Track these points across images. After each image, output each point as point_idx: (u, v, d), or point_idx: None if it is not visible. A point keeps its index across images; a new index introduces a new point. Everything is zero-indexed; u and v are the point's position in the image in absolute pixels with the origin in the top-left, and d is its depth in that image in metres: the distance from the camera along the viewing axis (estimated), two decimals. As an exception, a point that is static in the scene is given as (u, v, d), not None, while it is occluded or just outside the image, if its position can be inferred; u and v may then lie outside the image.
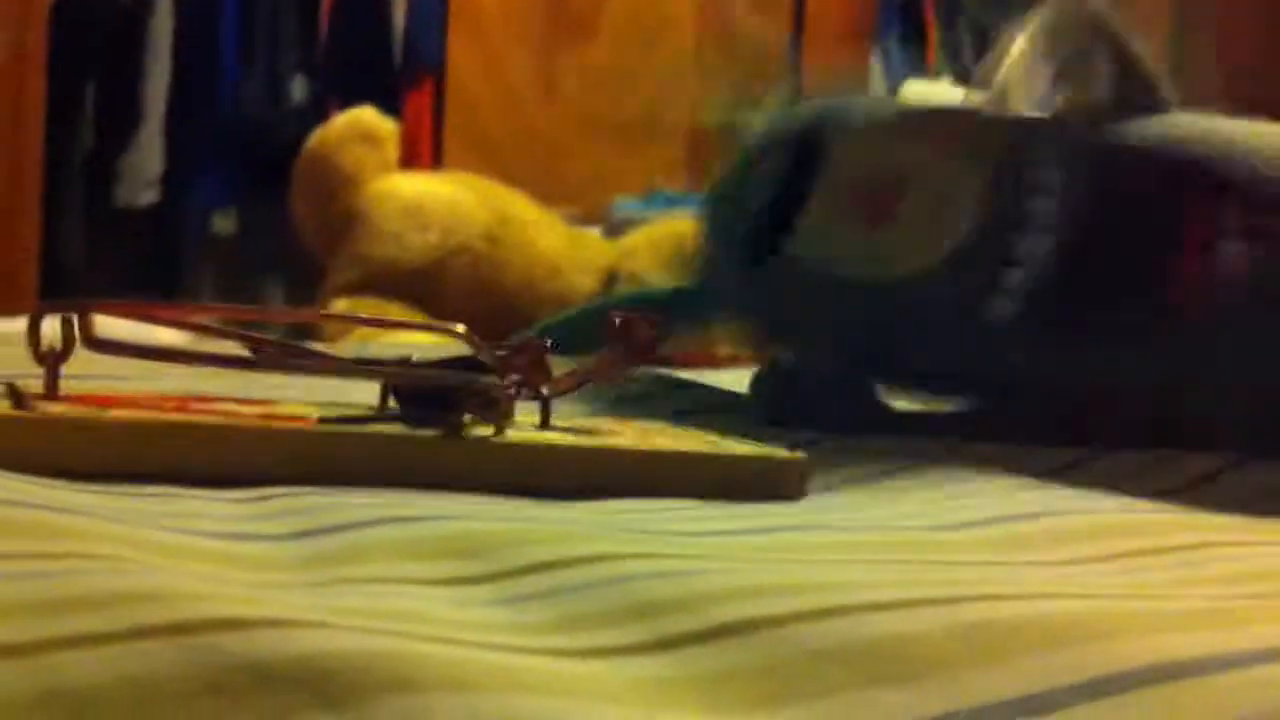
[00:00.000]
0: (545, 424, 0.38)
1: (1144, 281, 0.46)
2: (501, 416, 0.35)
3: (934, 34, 2.97)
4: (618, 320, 0.40)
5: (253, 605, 0.21)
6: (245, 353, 0.38)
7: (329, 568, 0.26)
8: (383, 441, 0.33)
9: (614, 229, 1.92)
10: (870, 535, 0.31)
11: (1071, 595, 0.25)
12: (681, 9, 2.70)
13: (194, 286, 2.43)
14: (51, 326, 0.32)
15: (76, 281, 2.28)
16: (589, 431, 0.38)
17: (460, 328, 0.36)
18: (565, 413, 0.41)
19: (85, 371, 0.39)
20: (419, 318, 1.52)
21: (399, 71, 2.48)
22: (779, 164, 0.52)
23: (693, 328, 0.59)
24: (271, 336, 0.41)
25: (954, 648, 0.22)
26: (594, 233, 1.88)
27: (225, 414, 0.33)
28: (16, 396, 0.32)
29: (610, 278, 1.68)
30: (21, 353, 0.34)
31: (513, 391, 0.35)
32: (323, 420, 0.34)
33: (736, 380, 0.60)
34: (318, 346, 0.51)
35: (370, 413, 0.37)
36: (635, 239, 1.74)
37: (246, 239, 2.44)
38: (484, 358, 0.35)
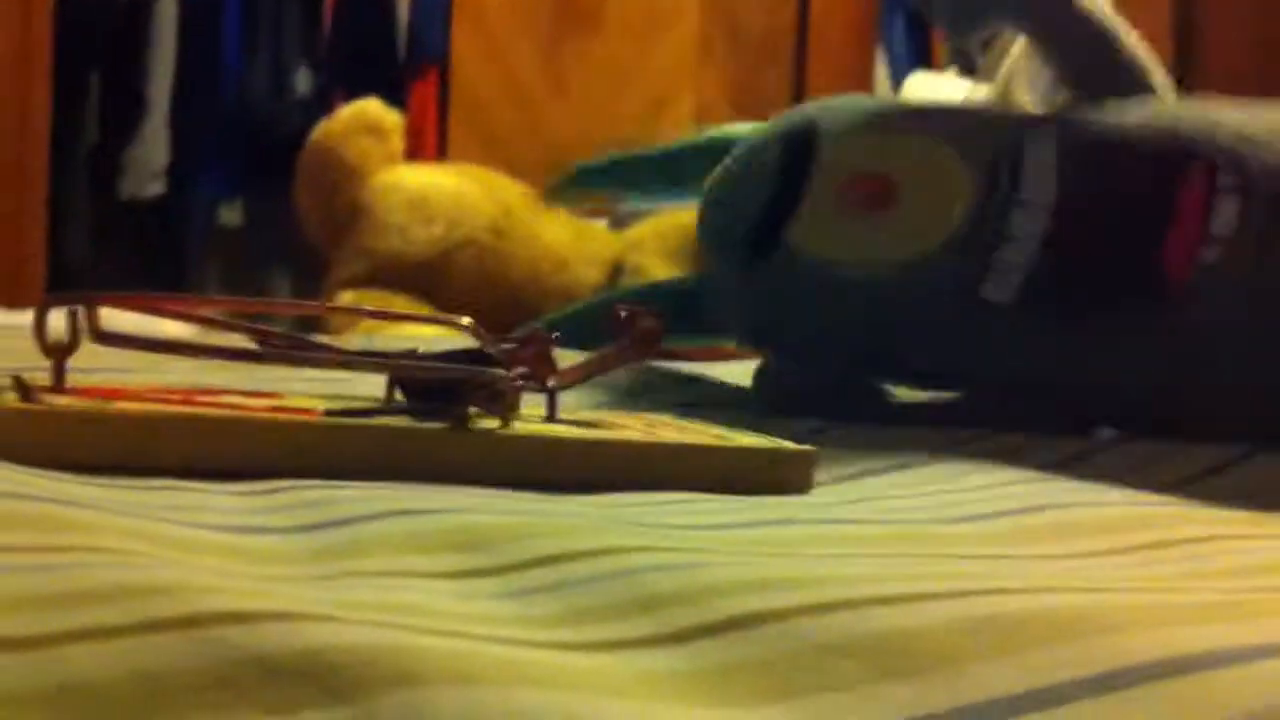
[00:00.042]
0: (551, 417, 0.38)
1: (1135, 264, 0.46)
2: (508, 409, 0.35)
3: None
4: (623, 313, 0.40)
5: (260, 599, 0.21)
6: (252, 345, 0.38)
7: (335, 561, 0.26)
8: (389, 434, 0.33)
9: (620, 221, 1.92)
10: (877, 529, 0.31)
11: (1079, 589, 0.25)
12: (686, 1, 2.70)
13: (200, 279, 2.43)
14: (58, 320, 0.32)
15: (82, 274, 2.28)
16: (595, 424, 0.38)
17: (466, 321, 0.36)
18: (571, 405, 0.41)
19: (92, 364, 0.39)
20: (424, 310, 1.52)
21: (403, 63, 2.48)
22: (774, 160, 0.52)
23: (699, 322, 0.59)
24: (277, 329, 0.41)
25: (961, 641, 0.22)
26: (600, 225, 1.88)
27: (232, 407, 0.33)
28: (24, 390, 0.32)
29: (616, 270, 1.68)
30: (29, 346, 0.34)
31: (519, 384, 0.35)
32: (329, 413, 0.34)
33: (742, 373, 0.60)
34: (323, 339, 0.51)
35: (377, 405, 0.37)
36: (641, 231, 1.74)
37: (252, 231, 2.44)
38: (490, 350, 0.35)
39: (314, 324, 1.58)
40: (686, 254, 1.65)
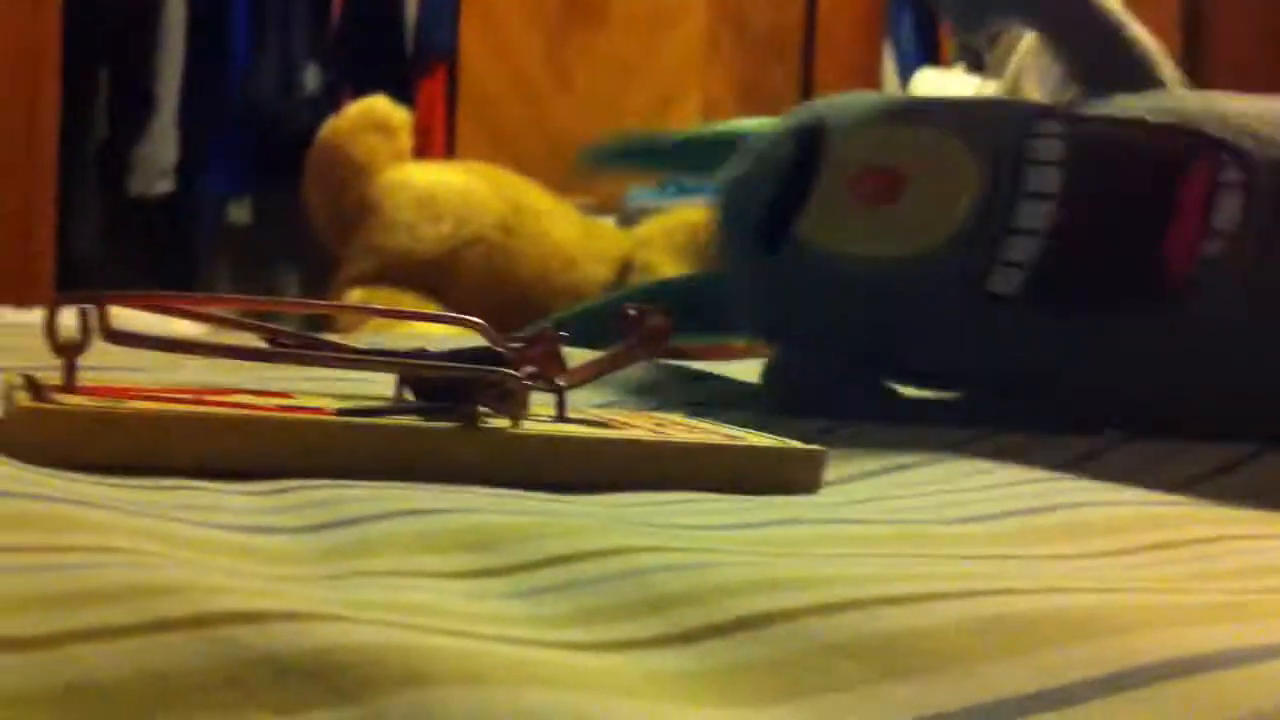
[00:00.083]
0: (561, 416, 0.38)
1: (1138, 257, 0.46)
2: (517, 408, 0.35)
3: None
4: (631, 312, 0.40)
5: (269, 598, 0.21)
6: (262, 345, 0.38)
7: (345, 560, 0.26)
8: (399, 434, 0.33)
9: (628, 218, 1.92)
10: (885, 529, 0.31)
11: (1088, 589, 0.25)
12: (694, -4, 2.70)
13: (208, 276, 2.44)
14: (69, 318, 0.32)
15: (91, 272, 2.28)
16: (604, 424, 0.38)
17: (476, 320, 0.36)
18: (581, 404, 0.41)
19: (102, 363, 0.39)
20: (433, 308, 1.53)
21: (412, 60, 2.48)
22: (785, 155, 0.52)
23: (711, 318, 0.59)
24: (287, 327, 0.41)
25: (970, 641, 0.22)
26: (608, 222, 1.88)
27: (242, 406, 0.33)
28: (35, 389, 0.32)
29: (625, 267, 1.68)
30: (39, 344, 0.34)
31: (528, 384, 0.35)
32: (339, 412, 0.34)
33: (751, 372, 0.60)
34: (332, 337, 0.51)
35: (386, 405, 0.37)
36: (649, 228, 1.74)
37: (260, 228, 2.44)
38: (499, 350, 0.35)
39: (323, 322, 1.58)
40: (694, 251, 1.65)
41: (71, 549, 0.23)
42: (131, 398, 0.32)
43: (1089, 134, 0.47)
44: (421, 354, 0.36)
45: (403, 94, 1.98)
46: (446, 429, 0.34)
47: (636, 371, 0.54)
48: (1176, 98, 0.49)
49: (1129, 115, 0.48)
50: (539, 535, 0.27)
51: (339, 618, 0.20)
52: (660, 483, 0.35)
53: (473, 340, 0.37)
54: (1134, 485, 0.38)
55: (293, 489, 0.30)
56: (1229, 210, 0.44)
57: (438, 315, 0.40)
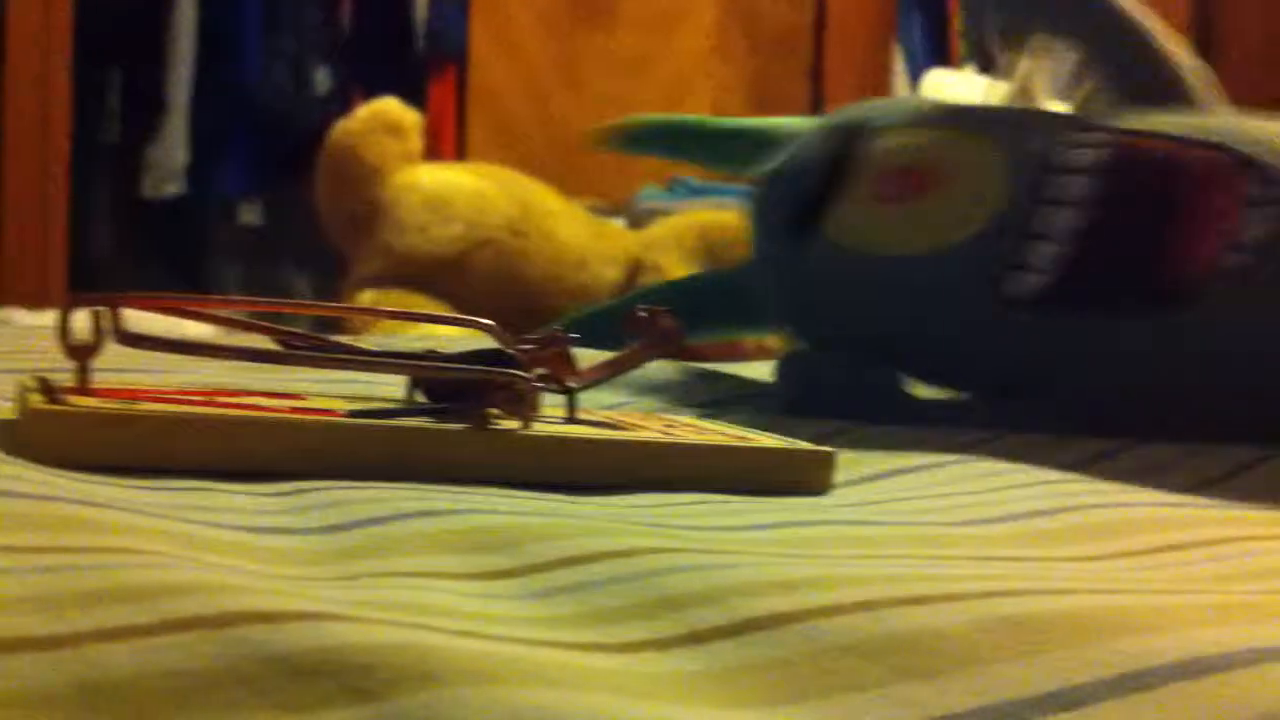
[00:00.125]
0: (571, 417, 0.38)
1: (1162, 263, 0.46)
2: (527, 410, 0.35)
3: (957, 23, 2.96)
4: (642, 314, 0.40)
5: (283, 599, 0.21)
6: (274, 346, 0.38)
7: (358, 561, 0.26)
8: (410, 435, 0.33)
9: (637, 219, 1.92)
10: (896, 530, 0.31)
11: (1101, 590, 0.25)
12: (704, -3, 2.70)
13: (219, 277, 2.44)
14: (82, 320, 0.33)
15: (103, 273, 2.29)
16: (615, 425, 0.38)
17: (487, 321, 0.36)
18: (591, 405, 0.42)
19: (115, 365, 0.40)
20: (443, 310, 1.53)
21: (422, 61, 2.48)
22: (825, 150, 0.53)
23: (740, 313, 0.60)
24: (297, 328, 0.41)
25: (982, 642, 0.22)
26: (618, 223, 1.88)
27: (254, 407, 0.34)
28: (48, 390, 0.32)
29: (634, 268, 1.68)
30: (52, 346, 0.34)
31: (539, 385, 0.35)
32: (351, 414, 0.34)
33: (762, 372, 0.60)
34: (343, 338, 0.51)
35: (398, 406, 0.37)
36: (659, 230, 1.74)
37: (272, 230, 2.45)
38: (510, 351, 0.35)
39: (334, 323, 1.59)
40: (703, 253, 1.65)
41: (86, 549, 0.23)
42: (144, 399, 0.33)
43: (1120, 145, 0.48)
44: (432, 355, 0.36)
45: (413, 95, 1.98)
46: (457, 430, 0.34)
47: (647, 373, 0.55)
48: (1210, 116, 0.50)
49: (1162, 130, 0.48)
50: (550, 536, 0.27)
51: (353, 618, 0.21)
52: (670, 484, 0.35)
53: (483, 341, 0.37)
54: (1146, 487, 0.38)
55: (305, 490, 0.30)
56: (1256, 224, 0.45)
57: (448, 317, 0.40)
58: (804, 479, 0.37)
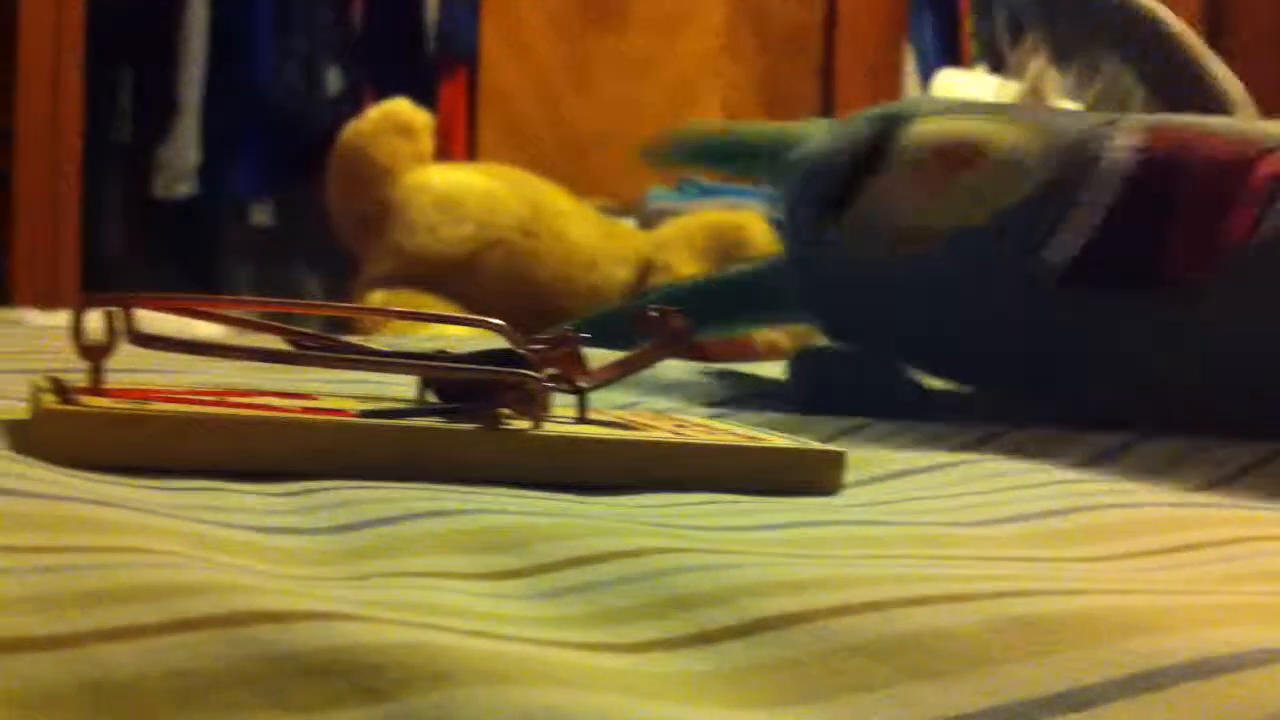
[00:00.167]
0: (582, 417, 0.38)
1: (1194, 234, 0.46)
2: (538, 410, 0.35)
3: (968, 22, 2.96)
4: (652, 313, 0.40)
5: (294, 598, 0.21)
6: (285, 347, 0.38)
7: (368, 561, 0.26)
8: (421, 435, 0.33)
9: (648, 220, 1.92)
10: (906, 530, 0.31)
11: (1112, 591, 0.25)
12: (714, -3, 2.70)
13: (231, 277, 2.45)
14: (95, 321, 0.33)
15: (115, 273, 2.30)
16: (625, 425, 0.38)
17: (497, 321, 0.36)
18: (602, 405, 0.42)
19: (127, 365, 0.40)
20: (454, 310, 1.53)
21: (433, 62, 2.49)
22: (862, 135, 0.54)
23: (765, 307, 0.60)
24: (309, 329, 0.41)
25: (992, 642, 0.22)
26: (628, 223, 1.88)
27: (265, 407, 0.34)
28: (61, 391, 0.33)
29: (645, 268, 1.68)
30: (65, 346, 0.34)
31: (549, 385, 0.35)
32: (362, 414, 0.34)
33: (772, 372, 0.61)
34: (354, 338, 0.51)
35: (408, 406, 0.37)
36: (669, 229, 1.74)
37: (283, 230, 2.45)
38: (521, 351, 0.35)
39: (345, 323, 1.59)
40: (713, 253, 1.65)
41: (97, 549, 0.23)
42: (156, 399, 0.33)
43: (1164, 128, 0.49)
44: (443, 356, 0.36)
45: (424, 96, 1.98)
46: (468, 430, 0.34)
47: (658, 373, 0.55)
48: (1246, 120, 0.51)
49: (1205, 122, 0.50)
50: (559, 536, 0.27)
51: (363, 617, 0.21)
52: (680, 484, 0.35)
53: (494, 342, 0.37)
54: (1156, 485, 0.38)
55: (315, 490, 0.31)
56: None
57: (459, 317, 0.40)
58: (814, 479, 0.37)
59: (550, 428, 0.35)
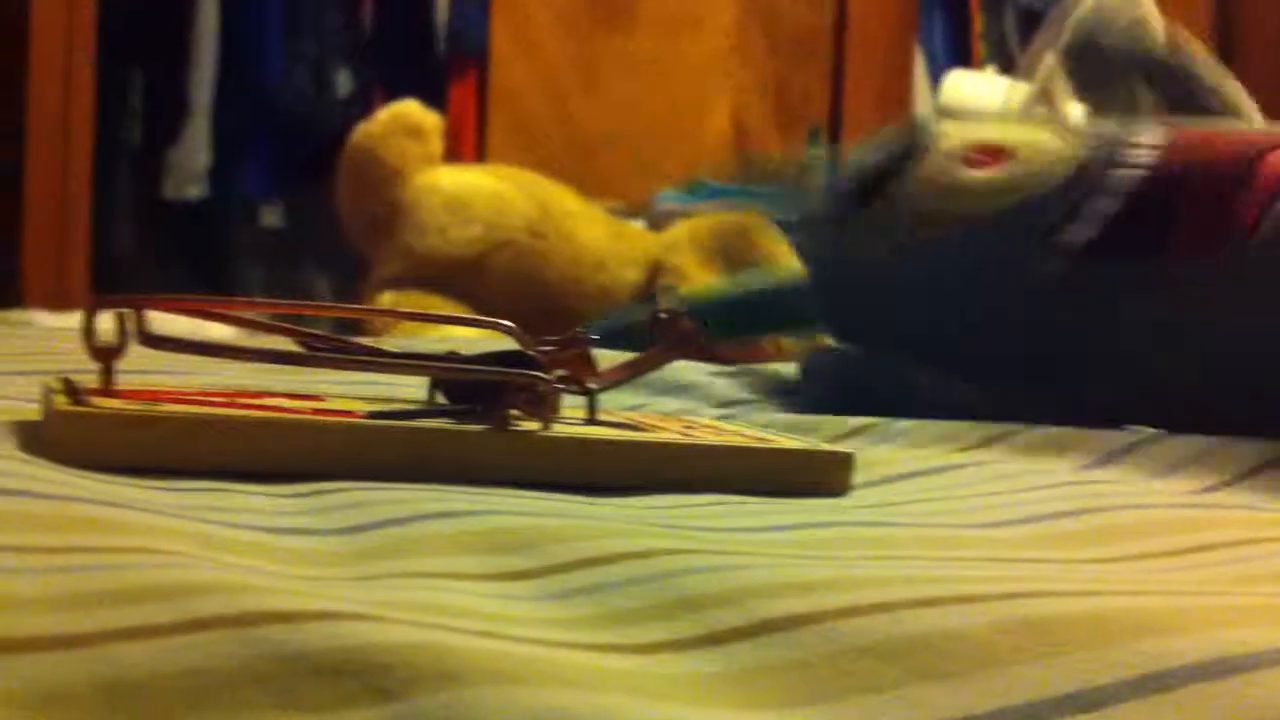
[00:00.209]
0: (591, 418, 0.38)
1: (1208, 216, 0.48)
2: (547, 411, 0.35)
3: (977, 24, 2.95)
4: (662, 315, 0.40)
5: (304, 598, 0.21)
6: (296, 348, 0.38)
7: (377, 562, 0.26)
8: (430, 436, 0.33)
9: (656, 221, 1.92)
10: (915, 531, 0.31)
11: (1122, 592, 0.25)
12: (724, -1, 2.69)
13: (241, 279, 2.45)
14: (106, 322, 0.33)
15: (125, 275, 2.30)
16: (635, 426, 0.38)
17: (507, 323, 0.36)
18: (611, 406, 0.42)
19: (138, 366, 0.40)
20: (463, 311, 1.53)
21: (443, 63, 2.49)
22: (899, 137, 0.56)
23: (757, 332, 0.62)
24: (319, 330, 0.41)
25: (1001, 643, 0.22)
26: (637, 225, 1.88)
27: (275, 409, 0.34)
28: (72, 392, 0.33)
29: (653, 270, 1.68)
30: (75, 347, 0.34)
31: (559, 386, 0.35)
32: (371, 415, 0.34)
33: (781, 373, 0.61)
34: (364, 340, 0.51)
35: (418, 407, 0.37)
36: (678, 231, 1.74)
37: (293, 232, 2.46)
38: (530, 353, 0.36)
39: (355, 324, 1.59)
40: (722, 254, 1.65)
41: (108, 549, 0.23)
42: (167, 401, 0.33)
43: (1181, 130, 0.51)
44: (453, 357, 0.37)
45: (434, 97, 1.99)
46: (477, 431, 0.34)
47: (667, 374, 0.55)
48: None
49: (1216, 124, 0.53)
50: (569, 537, 0.27)
51: (373, 617, 0.21)
52: (689, 485, 0.35)
53: (503, 343, 0.37)
54: (1168, 486, 0.38)
55: (324, 491, 0.31)
56: None
57: (468, 318, 0.40)
58: (823, 480, 0.37)
59: (559, 429, 0.35)
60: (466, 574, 0.25)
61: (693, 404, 0.53)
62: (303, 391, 0.40)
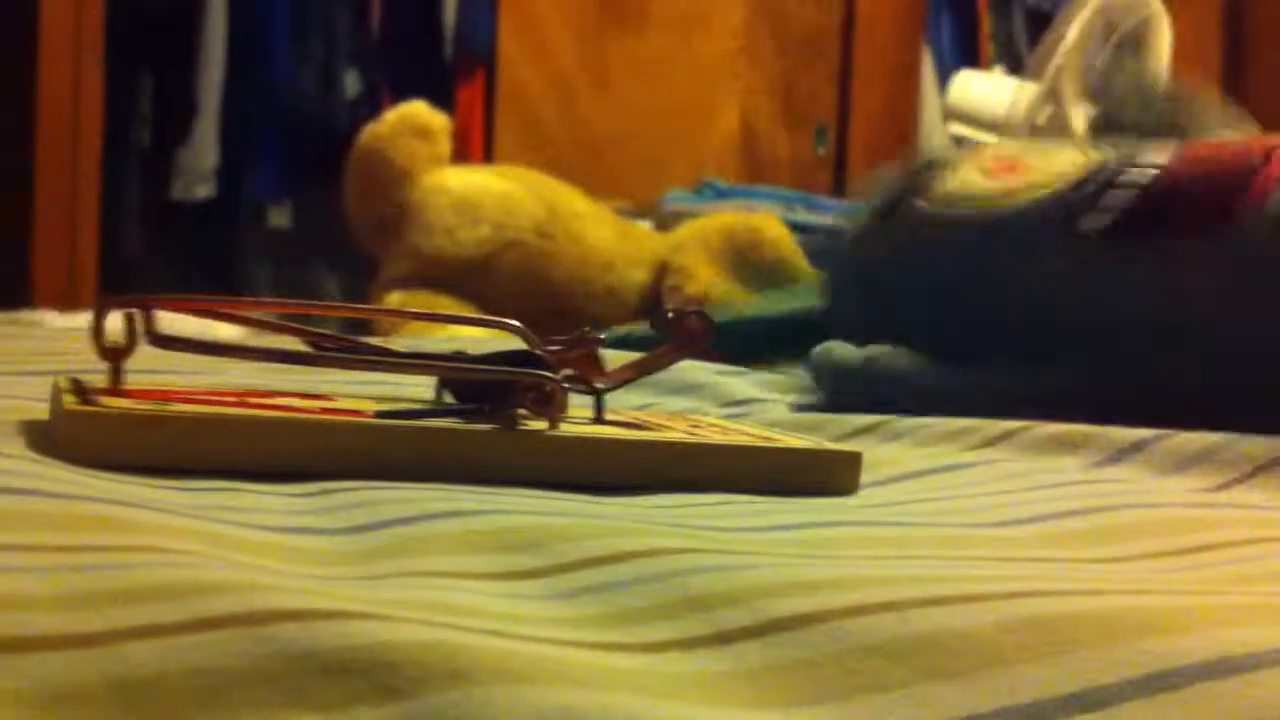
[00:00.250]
0: (598, 418, 0.38)
1: (1219, 203, 0.50)
2: (555, 411, 0.35)
3: (986, 23, 2.95)
4: (669, 314, 0.40)
5: (313, 597, 0.21)
6: (304, 348, 0.38)
7: (385, 561, 0.26)
8: (438, 435, 0.34)
9: (664, 222, 1.92)
10: (922, 531, 0.31)
11: (1128, 591, 0.25)
12: (732, -1, 2.69)
13: (249, 279, 2.45)
14: (115, 322, 0.33)
15: (133, 275, 2.31)
16: (641, 425, 0.38)
17: (514, 323, 0.36)
18: (619, 406, 0.42)
19: (147, 366, 0.40)
20: (470, 311, 1.53)
21: (451, 64, 2.49)
22: (930, 157, 0.58)
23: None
24: (327, 330, 0.41)
25: (1007, 643, 0.22)
26: (645, 225, 1.88)
27: (284, 408, 0.34)
28: (82, 391, 0.33)
29: (661, 270, 1.68)
30: (84, 347, 0.34)
31: (566, 386, 0.35)
32: (380, 415, 0.34)
33: (788, 372, 0.61)
34: (372, 340, 0.52)
35: (426, 407, 0.37)
36: (685, 231, 1.74)
37: (301, 232, 2.46)
38: (538, 352, 0.36)
39: (363, 324, 1.59)
40: (730, 255, 1.65)
41: (117, 548, 0.23)
42: (176, 400, 0.33)
43: (1193, 142, 0.53)
44: (460, 357, 0.37)
45: (442, 98, 1.99)
46: (485, 431, 0.34)
47: (674, 373, 0.55)
48: None
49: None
50: (576, 536, 0.27)
51: (381, 616, 0.21)
52: (696, 484, 0.35)
53: (511, 343, 0.37)
54: (1173, 485, 0.38)
55: (332, 490, 0.31)
56: None
57: (476, 318, 0.41)
58: (830, 480, 0.37)
59: (567, 428, 0.35)
60: (474, 573, 0.25)
61: (700, 404, 0.53)
62: (311, 391, 0.40)
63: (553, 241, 1.64)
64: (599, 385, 0.38)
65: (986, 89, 1.88)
